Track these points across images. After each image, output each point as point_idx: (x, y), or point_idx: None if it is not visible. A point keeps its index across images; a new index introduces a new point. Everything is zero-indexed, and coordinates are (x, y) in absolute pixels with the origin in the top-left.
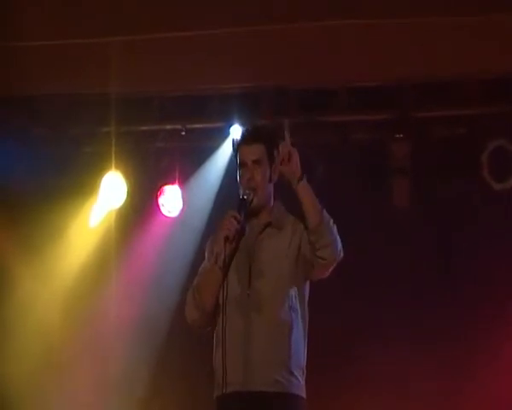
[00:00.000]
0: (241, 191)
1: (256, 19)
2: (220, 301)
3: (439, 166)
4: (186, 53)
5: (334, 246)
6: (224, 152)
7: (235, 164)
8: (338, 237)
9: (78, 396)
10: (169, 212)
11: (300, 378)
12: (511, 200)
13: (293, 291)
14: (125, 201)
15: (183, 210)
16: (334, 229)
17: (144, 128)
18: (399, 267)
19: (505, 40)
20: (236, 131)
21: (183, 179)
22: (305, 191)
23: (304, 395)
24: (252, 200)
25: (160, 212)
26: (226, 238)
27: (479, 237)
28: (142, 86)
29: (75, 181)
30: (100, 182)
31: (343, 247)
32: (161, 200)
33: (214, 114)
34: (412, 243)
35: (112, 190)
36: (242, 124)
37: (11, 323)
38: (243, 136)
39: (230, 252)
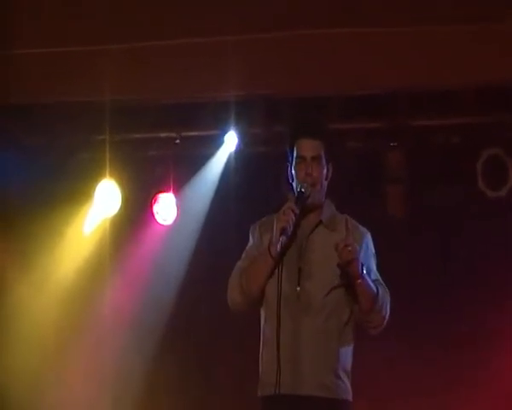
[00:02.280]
0: (296, 185)
1: (250, 27)
2: (269, 298)
3: (434, 175)
4: (180, 61)
5: (383, 319)
6: (219, 160)
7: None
8: (388, 306)
9: (73, 398)
10: (163, 220)
11: (347, 382)
12: (506, 208)
13: (342, 292)
14: (120, 208)
15: (177, 218)
16: (386, 302)
17: (138, 136)
18: (395, 276)
19: (500, 49)
20: (231, 139)
21: (178, 187)
22: (362, 288)
23: (350, 398)
24: (309, 194)
25: (155, 220)
26: (282, 229)
27: (474, 246)
28: (136, 94)
29: (69, 188)
30: (94, 190)
31: None
32: (156, 208)
33: (209, 121)
34: (407, 251)
35: (106, 197)
36: (237, 131)
37: (6, 329)
38: (304, 128)
39: (285, 245)
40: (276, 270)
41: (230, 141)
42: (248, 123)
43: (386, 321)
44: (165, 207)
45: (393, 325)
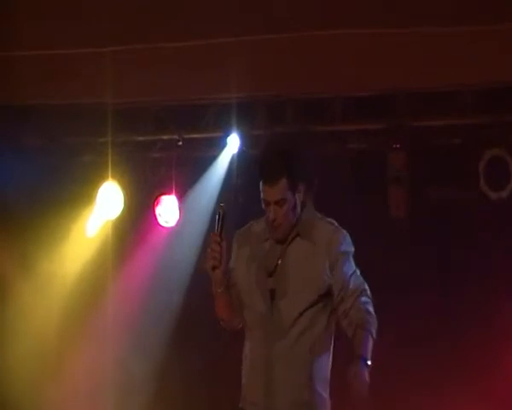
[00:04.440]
0: (217, 209)
1: (252, 29)
2: (247, 319)
3: (436, 176)
4: (183, 63)
5: None
6: (222, 162)
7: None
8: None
9: (75, 403)
10: (166, 222)
11: (324, 394)
12: (508, 208)
13: (319, 306)
14: (122, 211)
15: (179, 220)
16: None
17: (141, 138)
18: (397, 277)
19: (501, 50)
20: (233, 141)
21: (180, 189)
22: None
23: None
24: (225, 212)
25: (157, 222)
26: (213, 268)
27: (477, 246)
28: (138, 96)
29: (72, 191)
30: (97, 192)
31: None
32: (158, 210)
33: (211, 123)
34: (409, 252)
35: (108, 200)
36: (239, 134)
37: (9, 333)
38: (263, 174)
39: (225, 271)
40: (248, 296)
41: (233, 143)
42: (250, 125)
43: None
44: (168, 210)
45: (394, 324)
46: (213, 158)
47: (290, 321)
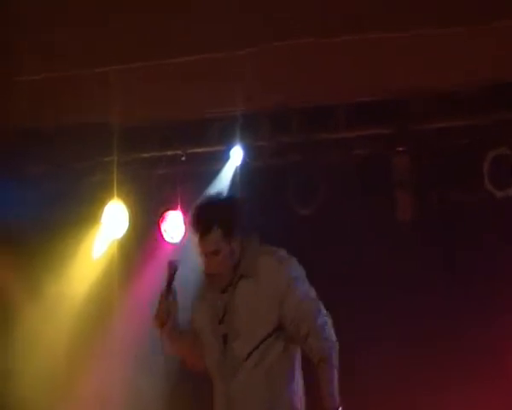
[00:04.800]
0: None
1: (254, 39)
2: (207, 364)
3: (441, 178)
4: (185, 78)
5: None
6: (226, 175)
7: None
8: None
9: None
10: (171, 238)
11: None
12: None
13: (272, 337)
14: (128, 229)
15: (185, 236)
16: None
17: (145, 155)
18: (404, 279)
19: (504, 48)
20: (237, 154)
21: (186, 205)
22: None
23: None
24: (176, 268)
25: (163, 238)
26: (161, 325)
27: (483, 247)
28: (142, 113)
29: (77, 212)
30: (102, 212)
31: (347, 262)
32: (164, 226)
33: (215, 137)
34: (416, 255)
35: (114, 219)
36: (242, 146)
37: (19, 356)
38: (194, 225)
39: (173, 326)
40: (206, 346)
41: (236, 155)
42: (254, 136)
43: None
44: (173, 225)
45: (400, 326)
46: (218, 172)
47: (243, 357)
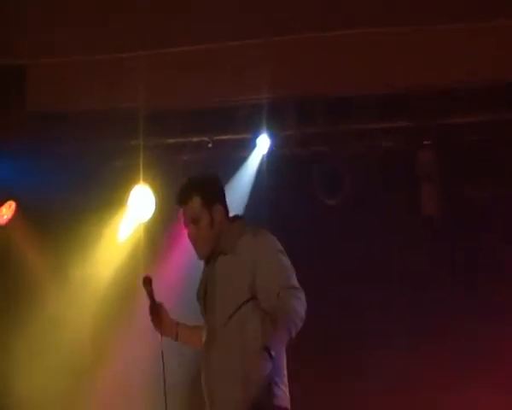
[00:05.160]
0: None
1: (281, 29)
2: None
3: (467, 172)
4: (212, 65)
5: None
6: (252, 163)
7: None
8: (297, 318)
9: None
10: None
11: (268, 388)
12: None
13: (247, 309)
14: (154, 213)
15: None
16: (294, 322)
17: (171, 141)
18: (430, 275)
19: None
20: (263, 142)
21: None
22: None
23: (277, 402)
24: (150, 281)
25: None
26: (160, 330)
27: (507, 244)
28: (169, 99)
29: (104, 196)
30: (128, 196)
31: (371, 256)
32: None
33: (241, 125)
34: (442, 250)
35: (140, 203)
36: (269, 134)
37: (42, 339)
38: (177, 197)
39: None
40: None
41: (263, 144)
42: (281, 125)
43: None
44: None
45: (420, 322)
46: (243, 159)
47: (218, 331)
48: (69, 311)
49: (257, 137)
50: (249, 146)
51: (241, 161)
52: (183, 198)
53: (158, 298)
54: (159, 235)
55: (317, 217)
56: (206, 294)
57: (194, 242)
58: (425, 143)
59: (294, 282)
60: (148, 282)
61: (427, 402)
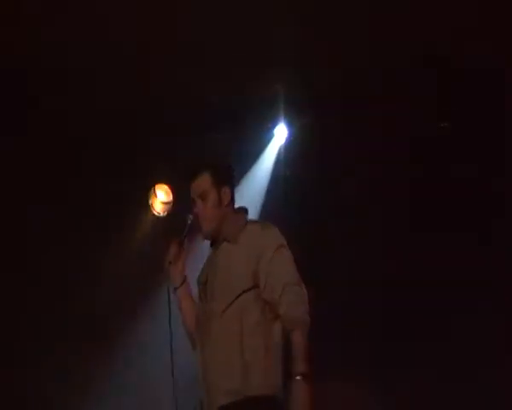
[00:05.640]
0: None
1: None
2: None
3: None
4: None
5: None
6: (269, 154)
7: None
8: (303, 317)
9: None
10: None
11: (265, 379)
12: None
13: (246, 298)
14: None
15: None
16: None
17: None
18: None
19: None
20: (281, 132)
21: None
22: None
23: (271, 392)
24: (191, 222)
25: None
26: (169, 263)
27: None
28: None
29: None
30: (147, 190)
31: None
32: None
33: (258, 115)
34: None
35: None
36: (287, 123)
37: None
38: (189, 176)
39: (182, 270)
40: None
41: (280, 134)
42: (299, 114)
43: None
44: None
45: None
46: (261, 151)
47: (216, 318)
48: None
49: (274, 127)
50: (267, 137)
51: (258, 152)
52: (193, 173)
53: None
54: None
55: (334, 208)
56: (207, 280)
57: (201, 219)
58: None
59: (296, 277)
60: (191, 221)
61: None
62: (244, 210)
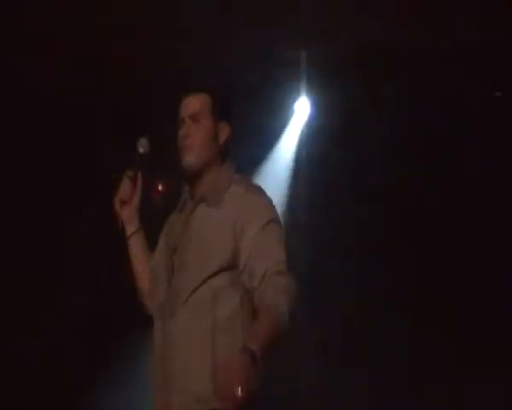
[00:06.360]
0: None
1: None
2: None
3: None
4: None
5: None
6: (290, 133)
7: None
8: (288, 304)
9: None
10: None
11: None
12: None
13: (225, 278)
14: None
15: None
16: (284, 312)
17: None
18: None
19: None
20: (302, 107)
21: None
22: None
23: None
24: (146, 154)
25: None
26: (122, 202)
27: None
28: None
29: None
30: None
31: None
32: None
33: (275, 87)
34: None
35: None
36: (310, 98)
37: None
38: (186, 90)
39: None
40: (154, 281)
41: (302, 110)
42: (322, 87)
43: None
44: None
45: None
46: (280, 129)
47: (185, 296)
48: None
49: (295, 101)
50: (286, 113)
51: (277, 131)
52: (192, 90)
53: None
54: None
55: (361, 195)
56: (176, 247)
57: (187, 145)
58: None
59: (283, 263)
60: (144, 151)
61: None
62: (233, 162)
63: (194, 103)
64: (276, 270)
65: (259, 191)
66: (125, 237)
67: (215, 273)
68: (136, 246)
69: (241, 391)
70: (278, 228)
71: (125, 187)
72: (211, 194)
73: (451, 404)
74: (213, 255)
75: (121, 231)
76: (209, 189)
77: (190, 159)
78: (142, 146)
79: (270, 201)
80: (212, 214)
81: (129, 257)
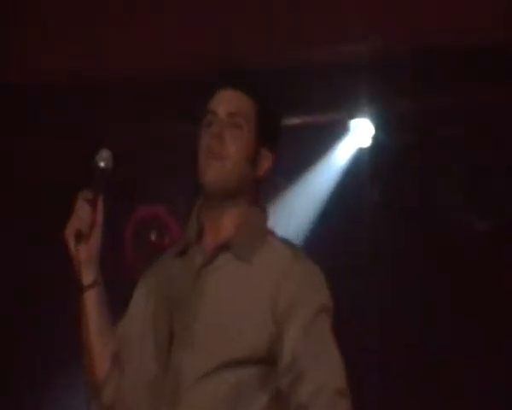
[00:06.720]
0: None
1: None
2: (123, 387)
3: None
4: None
5: None
6: (341, 157)
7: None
8: None
9: None
10: None
11: None
12: None
13: (251, 372)
14: None
15: None
16: None
17: None
18: None
19: None
20: (360, 125)
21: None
22: None
23: None
24: (106, 167)
25: None
26: (78, 235)
27: None
28: None
29: None
30: None
31: None
32: None
33: (324, 99)
34: None
35: None
36: (371, 114)
37: None
38: (228, 75)
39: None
40: (134, 347)
41: (359, 128)
42: (387, 99)
43: None
44: None
45: None
46: (327, 150)
47: (191, 378)
48: None
49: (350, 117)
50: (337, 132)
51: (322, 152)
52: (238, 82)
53: None
54: None
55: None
56: (178, 308)
57: (215, 149)
58: None
59: (343, 380)
60: (104, 166)
61: None
62: (260, 209)
63: (239, 100)
64: (337, 389)
65: (308, 260)
66: (78, 288)
67: (241, 362)
68: (90, 304)
69: None
70: (329, 320)
71: (82, 214)
72: (241, 241)
73: None
74: (243, 336)
75: (76, 279)
76: (240, 232)
77: (218, 174)
78: (104, 159)
79: (322, 276)
80: (242, 272)
81: (80, 320)
